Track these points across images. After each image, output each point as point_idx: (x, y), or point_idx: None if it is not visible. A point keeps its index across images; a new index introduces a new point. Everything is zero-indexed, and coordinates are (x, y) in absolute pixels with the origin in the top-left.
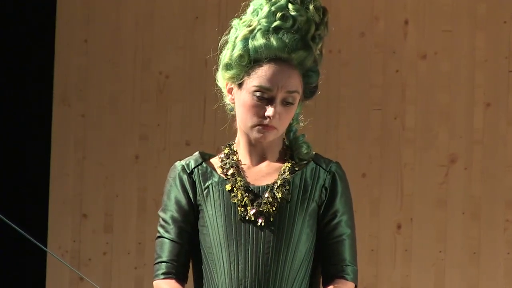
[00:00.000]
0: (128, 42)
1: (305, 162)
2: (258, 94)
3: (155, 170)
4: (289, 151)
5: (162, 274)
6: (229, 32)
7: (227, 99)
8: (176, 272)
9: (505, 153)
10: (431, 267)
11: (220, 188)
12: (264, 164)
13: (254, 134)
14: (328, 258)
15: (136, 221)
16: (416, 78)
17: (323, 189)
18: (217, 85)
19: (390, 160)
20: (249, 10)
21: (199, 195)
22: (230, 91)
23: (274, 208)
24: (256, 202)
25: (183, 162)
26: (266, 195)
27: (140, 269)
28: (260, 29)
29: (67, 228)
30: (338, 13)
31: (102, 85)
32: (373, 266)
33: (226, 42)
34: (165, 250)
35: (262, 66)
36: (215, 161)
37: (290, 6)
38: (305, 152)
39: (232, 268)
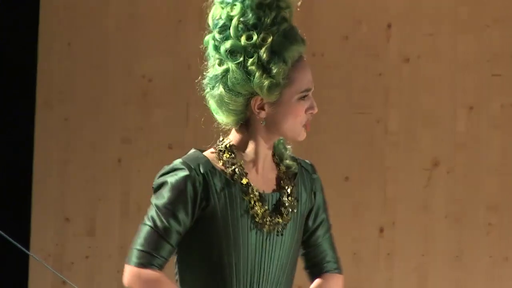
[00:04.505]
0: (111, 46)
1: (294, 166)
2: (304, 97)
3: (138, 174)
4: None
5: (149, 264)
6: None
7: (259, 116)
8: (159, 266)
9: (488, 156)
10: (414, 270)
11: (235, 196)
12: (265, 167)
13: (302, 134)
14: (317, 256)
15: (119, 225)
16: (399, 81)
17: (313, 194)
18: (200, 89)
19: (373, 163)
20: (232, 29)
21: (212, 201)
22: (261, 107)
23: (286, 220)
24: (271, 213)
25: (191, 164)
26: (280, 206)
27: (122, 273)
28: (278, 37)
29: (49, 231)
30: (321, 16)
31: (85, 89)
32: (356, 269)
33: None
34: (162, 249)
35: (297, 68)
36: (218, 163)
37: (280, 3)
38: (289, 154)
39: (241, 277)
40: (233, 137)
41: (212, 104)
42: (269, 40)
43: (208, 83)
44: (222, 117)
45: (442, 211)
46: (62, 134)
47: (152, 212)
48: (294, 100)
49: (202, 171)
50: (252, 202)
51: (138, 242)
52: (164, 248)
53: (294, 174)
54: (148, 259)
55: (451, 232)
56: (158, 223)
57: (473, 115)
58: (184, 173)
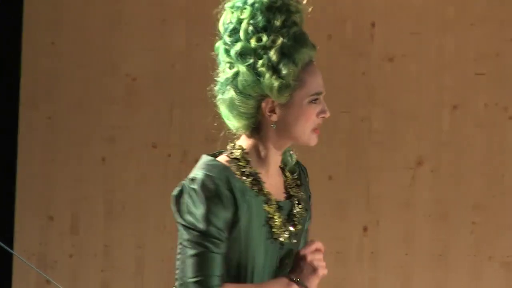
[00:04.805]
0: (96, 45)
1: (297, 171)
2: (315, 100)
3: (122, 172)
4: None
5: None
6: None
7: (270, 119)
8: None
9: (472, 155)
10: (397, 269)
11: (256, 206)
12: (275, 174)
13: (313, 138)
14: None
15: (103, 224)
16: (383, 80)
17: (309, 196)
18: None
19: (357, 162)
20: (242, 32)
21: (239, 210)
22: (273, 109)
23: (299, 229)
24: (286, 223)
25: (216, 176)
26: (292, 215)
27: (107, 272)
28: (288, 39)
29: (33, 230)
30: (305, 15)
31: (69, 87)
32: (339, 268)
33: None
34: (216, 265)
35: (307, 71)
36: (236, 172)
37: (290, 7)
38: (293, 158)
39: (256, 282)
40: (245, 143)
41: (223, 110)
42: (279, 42)
43: (220, 88)
44: (233, 122)
45: (426, 210)
46: (46, 132)
47: (198, 237)
48: (305, 103)
49: (230, 179)
50: (272, 212)
51: (194, 274)
52: (222, 267)
53: (298, 179)
54: (217, 282)
55: (435, 231)
56: (208, 244)
57: (457, 114)
58: (212, 186)
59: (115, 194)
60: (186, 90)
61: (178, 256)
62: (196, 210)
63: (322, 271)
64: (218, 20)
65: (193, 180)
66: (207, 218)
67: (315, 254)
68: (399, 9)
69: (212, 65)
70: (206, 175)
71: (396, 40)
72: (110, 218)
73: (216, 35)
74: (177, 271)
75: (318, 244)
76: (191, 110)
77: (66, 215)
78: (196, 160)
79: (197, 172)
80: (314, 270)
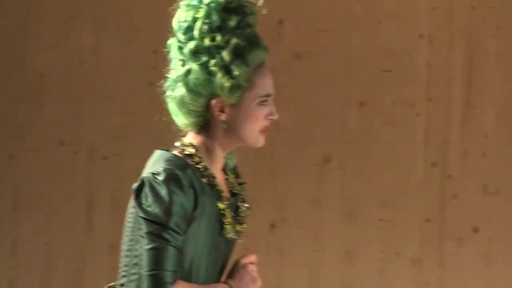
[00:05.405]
0: (3, 41)
1: (237, 171)
2: (264, 102)
3: (30, 170)
4: None
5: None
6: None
7: (219, 118)
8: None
9: (379, 152)
10: (305, 266)
11: (211, 202)
12: (220, 172)
13: (261, 139)
14: None
15: (10, 221)
16: (291, 77)
17: None
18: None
19: (264, 159)
20: (197, 31)
21: (198, 207)
22: (222, 109)
23: (242, 227)
24: (235, 221)
25: (179, 172)
26: (240, 214)
27: (14, 269)
28: (242, 40)
29: None
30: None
31: None
32: None
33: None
34: (173, 259)
35: (258, 73)
36: (193, 166)
37: (245, 9)
38: (233, 160)
39: (207, 279)
40: (193, 141)
41: (172, 107)
42: (233, 42)
43: (170, 85)
44: (181, 119)
45: (333, 207)
46: None
47: (159, 229)
48: (254, 104)
49: (192, 176)
50: (224, 209)
51: (152, 266)
52: (177, 260)
53: (240, 179)
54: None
55: (342, 228)
56: (168, 237)
57: (365, 111)
58: (176, 182)
59: (22, 191)
60: (93, 87)
61: (129, 253)
62: (158, 203)
63: (260, 283)
64: (127, 17)
65: (156, 174)
66: (169, 211)
67: (253, 266)
68: (307, 6)
69: (120, 61)
70: (170, 170)
71: (303, 37)
72: (17, 215)
73: (121, 31)
74: (125, 268)
75: (255, 257)
76: (99, 107)
77: None
78: (103, 157)
79: (160, 166)
80: (254, 280)
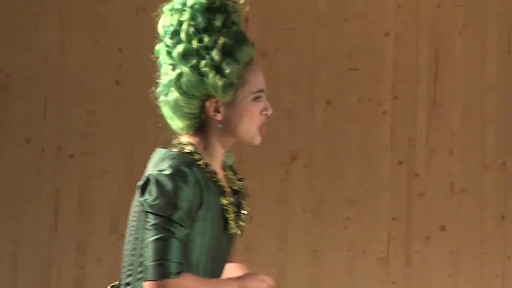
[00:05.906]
0: None
1: (234, 169)
2: (258, 98)
3: None
4: None
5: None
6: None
7: (215, 118)
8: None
9: (346, 150)
10: (271, 264)
11: (215, 199)
12: (220, 169)
13: (257, 137)
14: None
15: None
16: None
17: None
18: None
19: None
20: (183, 34)
21: (204, 204)
22: (217, 109)
23: (244, 223)
24: (237, 217)
25: (185, 168)
26: (240, 209)
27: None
28: (229, 39)
29: None
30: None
31: None
32: None
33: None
34: (178, 251)
35: (249, 69)
36: (196, 163)
37: (228, 7)
38: (231, 158)
39: (211, 274)
40: (191, 139)
41: (166, 111)
42: (221, 42)
43: (162, 90)
44: (177, 123)
45: (300, 205)
46: None
47: (164, 222)
48: (249, 101)
49: (198, 173)
50: (227, 205)
51: (157, 256)
52: (182, 253)
53: (239, 176)
54: (176, 268)
55: (308, 226)
56: (173, 230)
57: (331, 109)
58: (183, 179)
59: None
60: (59, 86)
61: (134, 251)
62: (164, 197)
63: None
64: (93, 16)
65: (162, 170)
66: (175, 205)
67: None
68: (272, 4)
69: (86, 60)
70: (177, 166)
71: (269, 35)
72: None
73: (87, 30)
74: (130, 267)
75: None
76: (65, 105)
77: None
78: (70, 155)
79: (166, 164)
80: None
